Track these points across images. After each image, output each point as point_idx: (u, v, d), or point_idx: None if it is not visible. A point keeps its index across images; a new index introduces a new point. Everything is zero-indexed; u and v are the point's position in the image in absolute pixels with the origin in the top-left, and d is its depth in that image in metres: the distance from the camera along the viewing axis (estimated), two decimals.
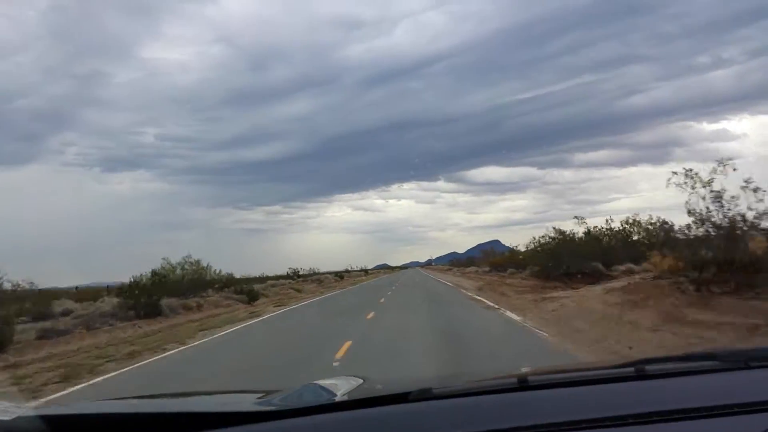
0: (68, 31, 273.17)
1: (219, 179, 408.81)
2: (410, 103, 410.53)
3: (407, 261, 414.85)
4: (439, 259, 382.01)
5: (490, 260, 55.33)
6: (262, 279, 52.03)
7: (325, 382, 1.84)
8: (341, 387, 1.81)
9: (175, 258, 30.11)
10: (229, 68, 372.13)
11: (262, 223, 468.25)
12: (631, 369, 1.71)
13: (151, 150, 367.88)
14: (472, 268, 65.32)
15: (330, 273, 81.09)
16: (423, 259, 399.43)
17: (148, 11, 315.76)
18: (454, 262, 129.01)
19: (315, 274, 72.06)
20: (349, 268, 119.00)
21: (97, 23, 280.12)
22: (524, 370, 2.11)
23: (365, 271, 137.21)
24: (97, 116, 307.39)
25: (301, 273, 66.01)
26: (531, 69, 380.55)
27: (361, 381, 1.95)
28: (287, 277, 61.63)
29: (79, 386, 9.18)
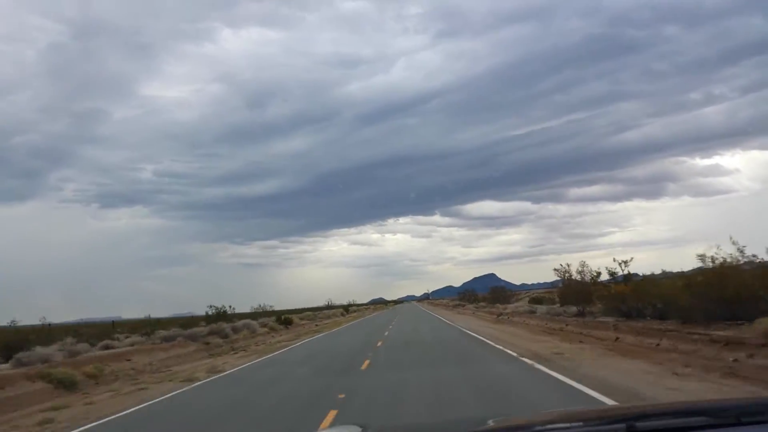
0: (67, 69, 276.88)
1: (215, 215, 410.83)
2: (406, 139, 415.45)
3: (403, 295, 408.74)
4: (435, 293, 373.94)
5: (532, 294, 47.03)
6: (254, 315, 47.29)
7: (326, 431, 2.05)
8: None
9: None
10: (226, 105, 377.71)
11: (258, 257, 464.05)
12: (623, 425, 1.72)
13: (148, 186, 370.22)
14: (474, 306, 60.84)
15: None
16: (419, 293, 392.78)
17: (148, 50, 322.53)
18: (465, 295, 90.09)
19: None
20: (329, 303, 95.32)
21: (96, 61, 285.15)
22: (517, 419, 2.25)
23: (345, 309, 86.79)
24: (96, 153, 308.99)
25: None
26: (524, 106, 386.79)
27: (360, 430, 2.09)
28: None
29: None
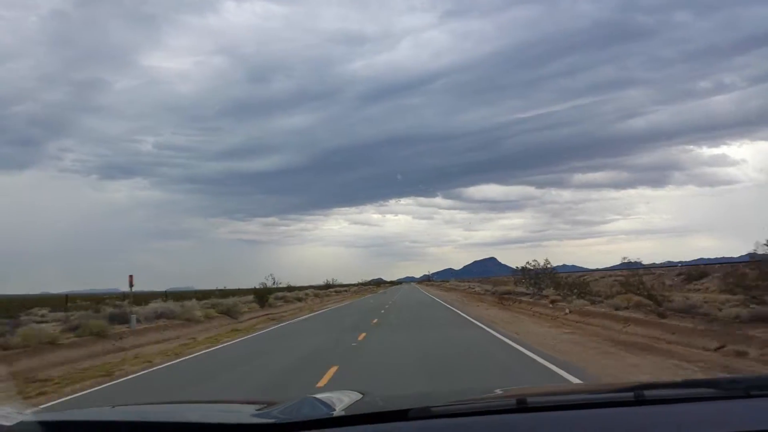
0: (69, 37, 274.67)
1: (215, 189, 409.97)
2: (410, 119, 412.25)
3: (402, 276, 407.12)
4: (436, 275, 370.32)
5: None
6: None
7: (324, 396, 1.90)
8: (340, 401, 1.83)
9: None
10: (229, 79, 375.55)
11: (258, 234, 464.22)
12: (631, 394, 1.73)
13: (148, 158, 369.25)
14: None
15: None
16: (418, 275, 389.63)
17: (150, 20, 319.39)
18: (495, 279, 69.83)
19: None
20: (331, 281, 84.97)
21: (98, 30, 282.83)
22: (524, 389, 2.23)
23: (328, 286, 74.96)
24: (96, 123, 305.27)
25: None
26: (530, 89, 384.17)
27: (360, 396, 2.02)
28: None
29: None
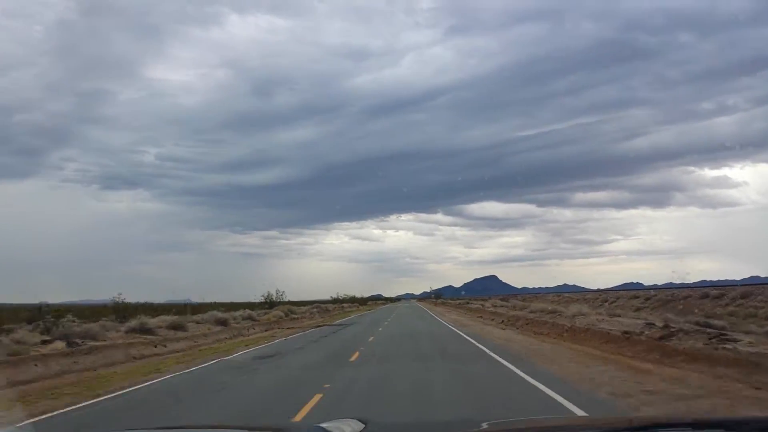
0: (74, 47, 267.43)
1: (216, 201, 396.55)
2: (412, 135, 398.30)
3: (402, 292, 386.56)
4: (436, 291, 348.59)
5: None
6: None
7: (327, 425, 1.92)
8: (343, 431, 1.80)
9: None
10: (232, 92, 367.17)
11: (258, 247, 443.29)
12: None
13: (150, 169, 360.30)
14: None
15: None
16: (418, 291, 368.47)
17: (154, 31, 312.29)
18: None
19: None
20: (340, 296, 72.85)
21: (103, 41, 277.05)
22: (537, 421, 2.32)
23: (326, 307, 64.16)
24: (99, 134, 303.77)
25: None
26: (533, 107, 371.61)
27: (363, 426, 1.99)
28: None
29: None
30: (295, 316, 45.61)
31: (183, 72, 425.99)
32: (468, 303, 68.99)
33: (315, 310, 56.75)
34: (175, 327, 26.61)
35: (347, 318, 50.77)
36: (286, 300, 59.30)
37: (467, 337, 22.92)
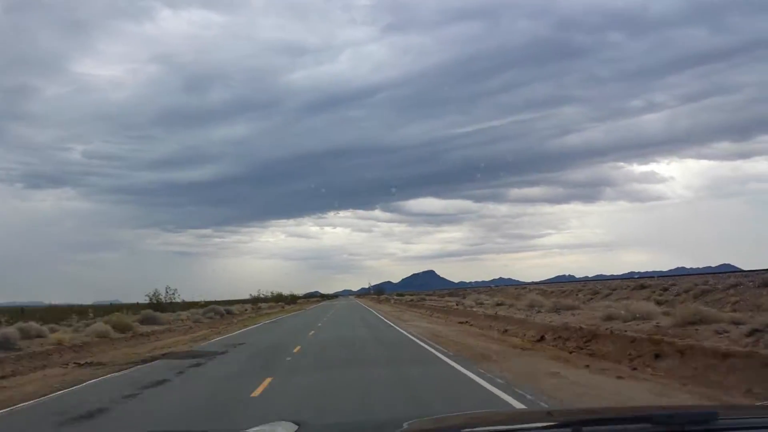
0: None
1: (147, 200, 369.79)
2: (350, 132, 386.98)
3: (340, 289, 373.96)
4: (375, 287, 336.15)
5: None
6: None
7: (260, 428, 1.83)
8: None
9: None
10: (164, 87, 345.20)
11: (191, 246, 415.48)
12: (568, 430, 1.66)
13: (77, 167, 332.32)
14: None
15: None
16: (356, 288, 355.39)
17: (82, 27, 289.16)
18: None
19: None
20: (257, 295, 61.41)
21: (27, 37, 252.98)
22: (459, 416, 2.18)
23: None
24: (23, 131, 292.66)
25: None
26: (469, 104, 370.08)
27: (296, 427, 1.87)
28: None
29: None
30: (149, 330, 26.19)
31: (112, 67, 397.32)
32: (424, 300, 53.50)
33: (211, 314, 40.96)
34: None
35: (243, 330, 30.26)
36: (179, 300, 44.91)
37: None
